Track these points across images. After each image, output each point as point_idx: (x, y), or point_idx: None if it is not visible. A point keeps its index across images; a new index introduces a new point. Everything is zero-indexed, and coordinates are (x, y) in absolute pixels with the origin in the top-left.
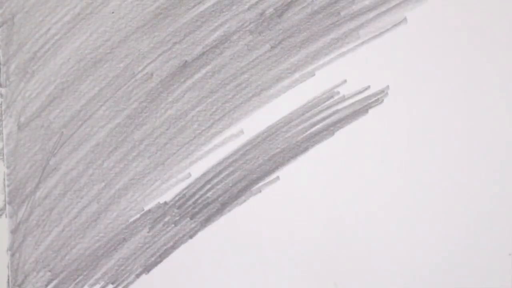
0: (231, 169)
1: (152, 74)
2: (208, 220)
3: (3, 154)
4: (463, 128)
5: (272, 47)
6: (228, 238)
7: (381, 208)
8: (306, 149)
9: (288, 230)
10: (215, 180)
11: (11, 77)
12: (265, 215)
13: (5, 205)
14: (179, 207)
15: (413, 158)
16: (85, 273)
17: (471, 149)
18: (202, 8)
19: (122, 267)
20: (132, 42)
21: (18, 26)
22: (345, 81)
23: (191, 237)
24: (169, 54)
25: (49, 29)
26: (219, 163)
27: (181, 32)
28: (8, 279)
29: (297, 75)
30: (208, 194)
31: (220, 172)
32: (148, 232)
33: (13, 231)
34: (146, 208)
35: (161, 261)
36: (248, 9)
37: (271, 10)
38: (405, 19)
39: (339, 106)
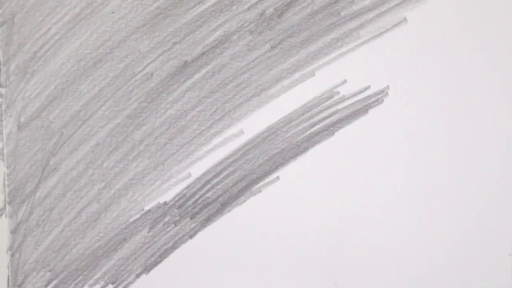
0: (231, 169)
1: (152, 74)
2: (208, 220)
3: (3, 154)
4: (463, 128)
5: (272, 47)
6: (228, 238)
7: (381, 208)
8: (306, 149)
9: (288, 230)
10: (215, 180)
11: (11, 77)
12: (265, 215)
13: (5, 205)
14: (179, 207)
15: (413, 158)
16: (85, 273)
17: (471, 149)
18: (202, 8)
19: (122, 267)
20: (132, 42)
21: (18, 26)
22: (345, 81)
23: (191, 237)
24: (169, 54)
25: (49, 29)
26: (219, 163)
27: (181, 32)
28: (8, 279)
29: (297, 75)
30: (208, 194)
31: (220, 172)
32: (148, 232)
33: (13, 231)
34: (146, 208)
35: (161, 261)
36: (248, 9)
37: (271, 10)
38: (405, 19)
39: (339, 106)
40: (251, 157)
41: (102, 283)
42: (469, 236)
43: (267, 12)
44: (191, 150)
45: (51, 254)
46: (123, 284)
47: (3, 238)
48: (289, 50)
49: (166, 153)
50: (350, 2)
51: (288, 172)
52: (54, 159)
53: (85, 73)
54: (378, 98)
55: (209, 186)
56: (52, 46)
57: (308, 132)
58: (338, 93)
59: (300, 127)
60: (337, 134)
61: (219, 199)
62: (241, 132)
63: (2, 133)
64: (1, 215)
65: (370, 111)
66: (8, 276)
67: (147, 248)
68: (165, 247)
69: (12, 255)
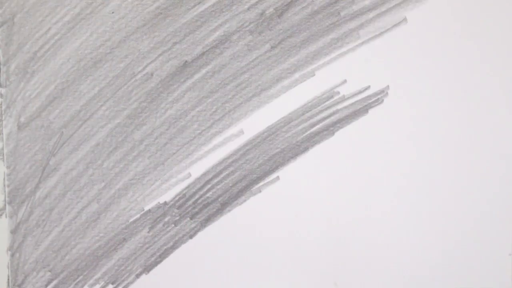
0: (231, 169)
1: (152, 74)
2: (208, 220)
3: (3, 154)
4: (463, 128)
5: (272, 47)
6: (228, 238)
7: (381, 208)
8: (306, 149)
9: (288, 230)
10: (215, 180)
11: (11, 77)
12: (265, 215)
13: (5, 205)
14: (179, 207)
15: (413, 158)
16: (85, 273)
17: (471, 149)
18: (202, 8)
19: (122, 267)
20: (132, 42)
21: (18, 26)
22: (345, 81)
23: (191, 237)
24: (169, 54)
25: (49, 29)
26: (219, 163)
27: (181, 32)
28: (8, 279)
29: (297, 75)
30: (208, 194)
31: (220, 172)
32: (148, 232)
33: (13, 231)
34: (146, 208)
35: (161, 261)
36: (248, 9)
37: (271, 10)
38: (405, 19)
39: (339, 106)
40: (251, 157)
41: (102, 283)
42: (469, 236)
43: (267, 12)
44: (191, 150)
45: (51, 254)
46: (123, 284)
47: (3, 238)
48: (289, 50)
49: (166, 153)
50: (350, 2)
51: (288, 172)
52: (54, 159)
53: (85, 73)
54: (378, 98)
55: (209, 186)
56: (52, 46)
57: (308, 132)
58: (338, 93)
59: (300, 127)
60: (337, 134)
61: (219, 199)
62: (241, 132)
63: (2, 133)
64: (1, 215)
65: (370, 111)
66: (8, 276)
67: (147, 248)
68: (165, 247)
69: (12, 255)
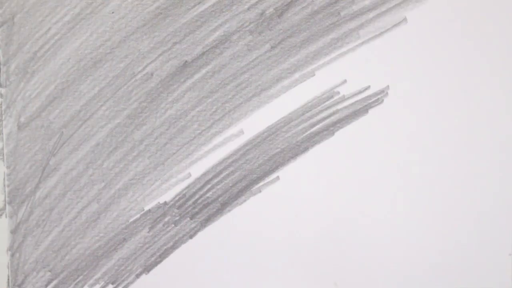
0: (231, 169)
1: (152, 74)
2: (208, 220)
3: (3, 154)
4: (463, 128)
5: (272, 47)
6: (228, 238)
7: (381, 208)
8: (306, 149)
9: (288, 230)
10: (215, 180)
11: (11, 77)
12: (265, 215)
13: (5, 205)
14: (179, 207)
15: (413, 158)
16: (85, 273)
17: (471, 149)
18: (202, 8)
19: (122, 267)
20: (132, 42)
21: (18, 26)
22: (345, 81)
23: (191, 237)
24: (169, 54)
25: (49, 29)
26: (219, 163)
27: (181, 32)
28: (8, 279)
29: (297, 75)
30: (208, 194)
31: (220, 172)
32: (148, 232)
33: (13, 231)
34: (146, 208)
35: (161, 261)
36: (248, 9)
37: (271, 10)
38: (405, 19)
39: (339, 106)
40: (251, 157)
41: (102, 283)
42: (469, 236)
43: (267, 12)
44: (191, 150)
45: (51, 254)
46: (123, 284)
47: (3, 238)
48: (289, 50)
49: (166, 153)
50: (350, 2)
51: (288, 172)
52: (54, 159)
53: (85, 73)
54: (378, 98)
55: (209, 186)
56: (52, 46)
57: (308, 132)
58: (338, 93)
59: (300, 127)
60: (337, 134)
61: (219, 199)
62: (241, 132)
63: (2, 133)
64: (1, 215)
65: (370, 111)
66: (8, 276)
67: (147, 248)
68: (165, 247)
69: (12, 255)
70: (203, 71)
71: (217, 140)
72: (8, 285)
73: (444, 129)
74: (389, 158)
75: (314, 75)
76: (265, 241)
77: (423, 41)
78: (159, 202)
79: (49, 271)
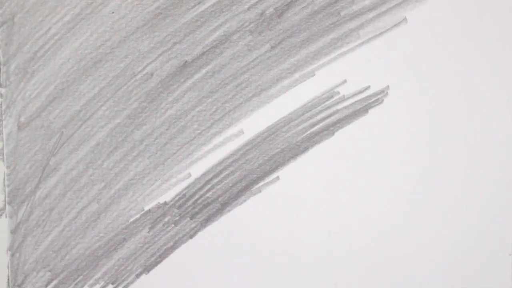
0: (231, 169)
1: (152, 74)
2: (208, 220)
3: (3, 154)
4: (463, 127)
5: (272, 47)
6: (228, 238)
7: (381, 208)
8: (306, 149)
9: (288, 230)
10: (215, 180)
11: (11, 77)
12: (265, 215)
13: (5, 205)
14: (179, 207)
15: (413, 158)
16: (85, 273)
17: (471, 149)
18: (202, 8)
19: (122, 267)
20: (132, 42)
21: (18, 26)
22: (345, 81)
23: (191, 237)
24: (169, 54)
25: (49, 29)
26: (219, 163)
27: (181, 32)
28: (8, 279)
29: (297, 75)
30: (208, 194)
31: (220, 172)
32: (148, 232)
33: (13, 231)
34: (146, 208)
35: (161, 261)
36: (248, 9)
37: (271, 10)
38: (405, 19)
39: (339, 106)
40: (251, 157)
41: (102, 283)
42: (469, 236)
43: (267, 12)
44: (191, 150)
45: (51, 254)
46: (123, 284)
47: (3, 238)
48: (289, 50)
49: (166, 153)
50: (350, 2)
51: (288, 172)
52: (54, 159)
53: (85, 73)
54: (378, 98)
55: (209, 186)
56: (52, 46)
57: (308, 132)
58: (338, 93)
59: (300, 127)
60: (337, 134)
61: (219, 199)
62: (241, 132)
63: (2, 133)
64: (1, 215)
65: (370, 111)
66: (8, 276)
67: (147, 248)
68: (165, 247)
69: (12, 255)
70: (203, 71)
71: (217, 140)
72: (8, 285)
73: (444, 129)
74: (389, 158)
75: (314, 75)
76: (265, 241)
77: (423, 41)
78: (159, 202)
79: (49, 271)
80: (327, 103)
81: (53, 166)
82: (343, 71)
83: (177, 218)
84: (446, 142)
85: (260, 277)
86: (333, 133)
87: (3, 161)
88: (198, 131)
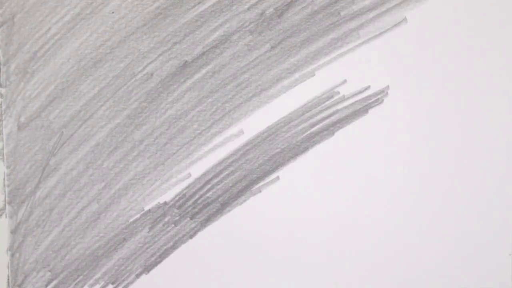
0: (231, 169)
1: (152, 74)
2: (208, 220)
3: (3, 154)
4: (463, 128)
5: (272, 47)
6: (228, 238)
7: (381, 208)
8: (306, 149)
9: (288, 230)
10: (215, 180)
11: (11, 77)
12: (265, 215)
13: (5, 205)
14: (179, 207)
15: (413, 158)
16: (85, 273)
17: (471, 149)
18: (202, 8)
19: (122, 267)
20: (132, 42)
21: (18, 26)
22: (345, 81)
23: (191, 237)
24: (169, 54)
25: (49, 29)
26: (219, 163)
27: (181, 32)
28: (8, 279)
29: (297, 75)
30: (208, 194)
31: (220, 172)
32: (148, 232)
33: (13, 231)
34: (146, 208)
35: (161, 261)
36: (248, 9)
37: (271, 10)
38: (405, 19)
39: (339, 106)
40: (251, 157)
41: (102, 283)
42: (469, 236)
43: (267, 12)
44: (191, 150)
45: (51, 254)
46: (123, 284)
47: (3, 238)
48: (289, 50)
49: (166, 153)
50: (350, 2)
51: (288, 172)
52: (54, 159)
53: (85, 73)
54: (378, 98)
55: (209, 186)
56: (52, 46)
57: (308, 132)
58: (338, 93)
59: (300, 127)
60: (337, 134)
61: (219, 199)
62: (241, 132)
63: (2, 133)
64: (1, 215)
65: (370, 111)
66: (8, 276)
67: (147, 248)
68: (165, 247)
69: (12, 255)
70: (203, 71)
71: (217, 140)
72: (8, 285)
73: (444, 129)
74: (389, 158)
75: (314, 75)
76: (265, 241)
77: (423, 41)
78: (159, 202)
79: (49, 271)
80: (327, 103)
81: (53, 166)
82: (343, 71)
83: (177, 218)
84: (446, 142)
85: (260, 277)
86: (333, 133)
87: (3, 161)
88: (198, 131)
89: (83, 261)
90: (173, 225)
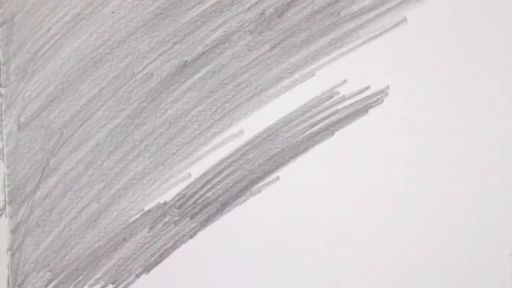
0: (231, 169)
1: (152, 74)
2: (208, 220)
3: (3, 154)
4: (463, 128)
5: (272, 47)
6: (228, 238)
7: (381, 208)
8: (306, 149)
9: (288, 230)
10: (215, 180)
11: (11, 77)
12: (265, 215)
13: (5, 205)
14: (179, 207)
15: (413, 158)
16: (85, 273)
17: (471, 149)
18: (202, 8)
19: (122, 267)
20: (132, 42)
21: (18, 26)
22: (345, 81)
23: (191, 237)
24: (169, 54)
25: (49, 29)
26: (219, 163)
27: (181, 32)
28: (8, 279)
29: (297, 75)
30: (208, 194)
31: (220, 172)
32: (148, 232)
33: (13, 231)
34: (146, 208)
35: (161, 261)
36: (248, 9)
37: (271, 10)
38: (405, 19)
39: (339, 106)
40: (251, 157)
41: (102, 283)
42: (469, 236)
43: (267, 12)
44: (191, 150)
45: (51, 254)
46: (123, 284)
47: (3, 238)
48: (289, 50)
49: (166, 153)
50: (350, 2)
51: (288, 172)
52: (54, 159)
53: (85, 73)
54: (378, 98)
55: (209, 186)
56: (52, 46)
57: (308, 132)
58: (338, 93)
59: (300, 127)
60: (337, 134)
61: (219, 199)
62: (241, 132)
63: (2, 133)
64: (1, 215)
65: (370, 111)
66: (8, 276)
67: (147, 248)
68: (165, 247)
69: (12, 255)
70: (203, 71)
71: (217, 140)
72: (8, 285)
73: (444, 129)
74: (389, 158)
75: (314, 75)
76: (265, 241)
77: (423, 41)
78: (159, 202)
79: (49, 271)
80: (327, 103)
81: (53, 166)
82: (343, 71)
83: (177, 218)
84: (446, 142)
85: (260, 277)
86: (333, 133)
87: (3, 161)
88: (198, 131)
89: (83, 261)
90: (173, 225)
